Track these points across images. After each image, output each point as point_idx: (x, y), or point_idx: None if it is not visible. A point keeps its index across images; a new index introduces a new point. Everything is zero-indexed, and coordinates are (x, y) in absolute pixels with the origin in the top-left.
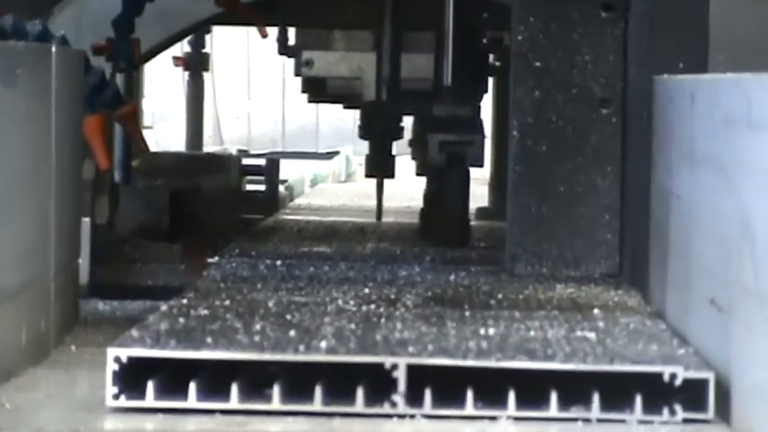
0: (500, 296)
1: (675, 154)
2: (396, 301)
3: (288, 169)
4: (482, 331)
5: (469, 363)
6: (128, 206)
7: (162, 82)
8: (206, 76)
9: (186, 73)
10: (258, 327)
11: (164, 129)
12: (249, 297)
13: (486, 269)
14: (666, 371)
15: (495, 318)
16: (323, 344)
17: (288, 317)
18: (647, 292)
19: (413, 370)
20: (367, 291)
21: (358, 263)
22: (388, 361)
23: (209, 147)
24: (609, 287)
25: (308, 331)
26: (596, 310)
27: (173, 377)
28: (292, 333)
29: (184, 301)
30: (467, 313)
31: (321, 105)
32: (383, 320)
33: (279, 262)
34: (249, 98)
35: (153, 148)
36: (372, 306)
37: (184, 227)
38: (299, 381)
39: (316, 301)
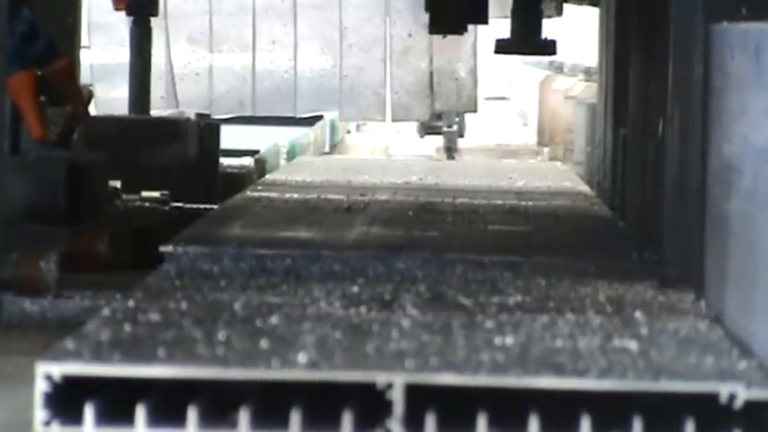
0: (519, 296)
1: (737, 120)
2: (391, 303)
3: (259, 138)
4: (497, 340)
5: (481, 380)
6: (18, 182)
7: (104, 30)
8: (156, 22)
9: (130, 18)
10: (222, 336)
11: (106, 88)
12: (211, 297)
13: (503, 260)
14: (724, 390)
15: (514, 323)
16: (301, 357)
17: (258, 323)
18: (702, 289)
19: (412, 390)
20: (356, 289)
21: (345, 253)
22: (380, 379)
23: (161, 110)
24: (653, 282)
25: (283, 341)
26: (638, 313)
27: (117, 398)
28: (264, 343)
29: (131, 303)
30: (478, 317)
31: (299, 58)
32: (376, 327)
33: (247, 252)
34: (211, 50)
35: (92, 111)
36: (362, 309)
37: (94, 207)
38: (271, 403)
39: (293, 302)
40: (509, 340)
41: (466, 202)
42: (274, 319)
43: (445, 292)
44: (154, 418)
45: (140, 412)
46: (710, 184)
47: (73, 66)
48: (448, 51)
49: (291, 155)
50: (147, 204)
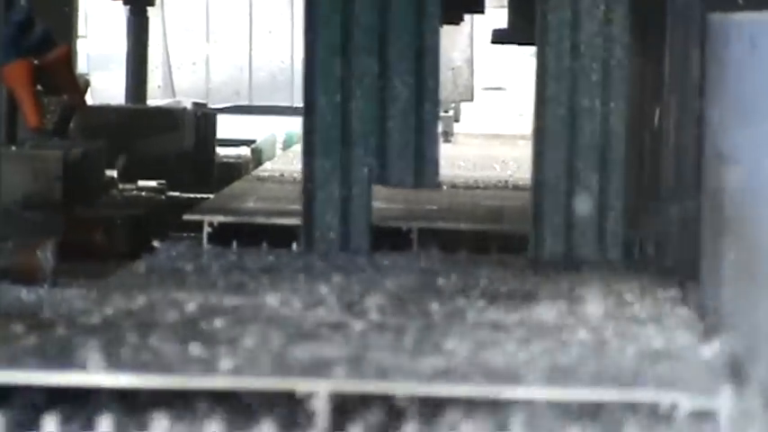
0: (497, 296)
1: (733, 109)
2: (354, 303)
3: (255, 127)
4: (449, 345)
5: (411, 388)
6: (13, 172)
7: (101, 19)
8: (153, 11)
9: (127, 8)
10: (156, 340)
11: (103, 77)
12: (169, 297)
13: (501, 258)
14: (665, 397)
15: (472, 326)
16: (226, 363)
17: (203, 325)
18: (697, 285)
19: (340, 399)
20: (326, 288)
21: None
22: (302, 387)
23: (157, 99)
24: (636, 273)
25: (217, 345)
26: (595, 305)
27: (29, 407)
28: (195, 349)
29: (81, 302)
30: (437, 319)
31: (296, 48)
32: (325, 330)
33: (231, 246)
34: (208, 40)
35: (89, 100)
36: (321, 310)
37: (89, 196)
38: (191, 412)
39: (252, 302)
40: (461, 345)
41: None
42: (221, 322)
43: (417, 290)
44: (66, 427)
45: (48, 421)
46: (707, 173)
47: (70, 55)
48: (444, 41)
49: (288, 144)
50: (143, 193)
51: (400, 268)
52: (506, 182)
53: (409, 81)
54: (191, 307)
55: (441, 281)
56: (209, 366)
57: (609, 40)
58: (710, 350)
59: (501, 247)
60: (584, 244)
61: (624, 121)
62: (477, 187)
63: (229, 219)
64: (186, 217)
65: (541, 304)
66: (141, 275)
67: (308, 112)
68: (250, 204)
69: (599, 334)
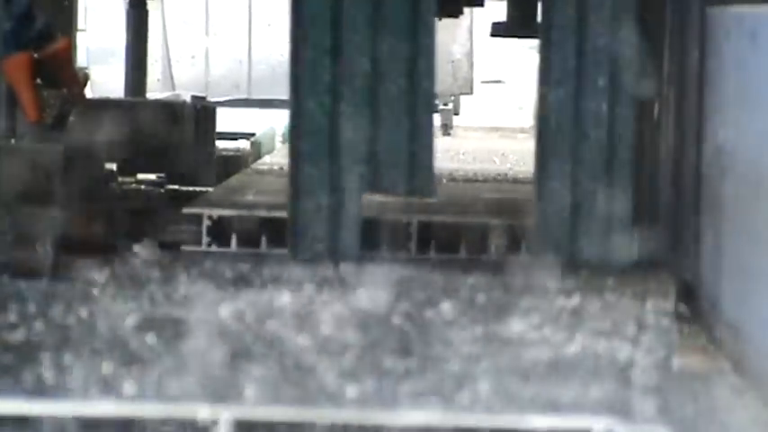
0: (476, 311)
1: (733, 103)
2: (310, 315)
3: (255, 121)
4: (387, 364)
5: (313, 414)
6: (12, 166)
7: (100, 13)
8: (153, 5)
9: (126, 1)
10: (70, 358)
11: (102, 70)
12: (113, 308)
13: (498, 263)
14: (597, 426)
15: (424, 344)
16: (127, 388)
17: (132, 344)
18: (697, 278)
19: (245, 426)
20: (288, 300)
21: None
22: (203, 413)
23: (157, 92)
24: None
25: (131, 368)
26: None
27: None
28: (104, 370)
29: (11, 315)
30: (384, 338)
31: None
32: (259, 349)
33: (210, 250)
34: (207, 33)
35: (89, 93)
36: (269, 325)
37: (86, 189)
38: None
39: (200, 316)
40: (399, 366)
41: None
42: (153, 341)
43: (391, 305)
44: None
45: None
46: (706, 167)
47: (69, 48)
48: (444, 34)
49: (288, 138)
50: (142, 187)
51: (381, 281)
52: (506, 174)
53: (403, 83)
54: (130, 320)
55: (417, 297)
56: (111, 389)
57: (616, 39)
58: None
59: (501, 242)
60: (590, 255)
61: (633, 127)
62: (477, 180)
63: (229, 212)
64: (185, 210)
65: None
66: (99, 284)
67: (295, 115)
68: (250, 197)
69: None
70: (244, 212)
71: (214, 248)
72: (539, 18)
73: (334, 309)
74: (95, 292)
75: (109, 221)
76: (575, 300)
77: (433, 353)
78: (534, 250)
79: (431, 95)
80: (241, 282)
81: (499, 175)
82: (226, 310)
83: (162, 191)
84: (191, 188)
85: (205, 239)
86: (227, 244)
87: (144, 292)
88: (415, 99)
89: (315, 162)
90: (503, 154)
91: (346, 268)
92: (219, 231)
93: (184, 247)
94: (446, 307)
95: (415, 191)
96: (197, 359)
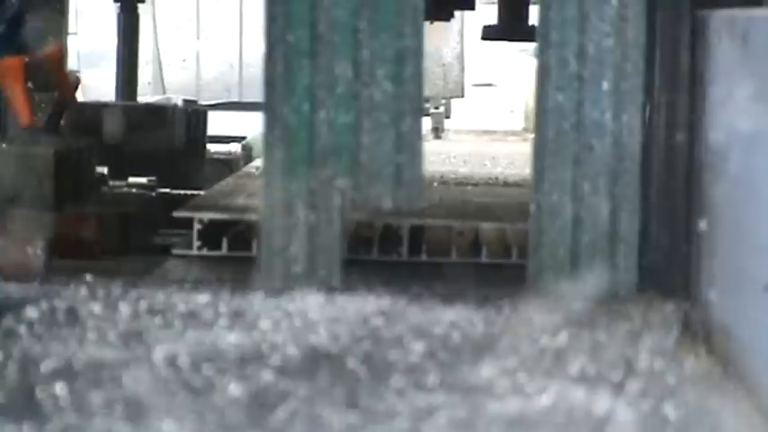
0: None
1: (724, 106)
2: (255, 358)
3: (246, 124)
4: (325, 419)
5: None
6: (3, 170)
7: (92, 17)
8: (144, 8)
9: (117, 5)
10: None
11: (93, 74)
12: (34, 349)
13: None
14: None
15: (375, 394)
16: None
17: (38, 390)
18: (689, 283)
19: None
20: (232, 338)
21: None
22: None
23: (148, 96)
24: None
25: (25, 419)
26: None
27: None
28: None
29: None
30: (340, 387)
31: None
32: (181, 400)
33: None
34: (198, 36)
35: (80, 97)
36: (204, 369)
37: (77, 193)
38: None
39: (127, 358)
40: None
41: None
42: (59, 388)
43: (352, 343)
44: None
45: None
46: (697, 170)
47: (61, 52)
48: (434, 37)
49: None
50: (133, 190)
51: (351, 312)
52: (497, 178)
53: (389, 88)
54: (48, 364)
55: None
56: None
57: (622, 41)
58: None
59: (494, 248)
60: (591, 280)
61: (640, 137)
62: (469, 183)
63: (219, 215)
64: (176, 214)
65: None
66: (31, 319)
67: (270, 123)
68: (240, 201)
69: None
70: (235, 216)
71: (205, 252)
72: (531, 20)
73: (285, 349)
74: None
75: (100, 225)
76: (562, 336)
77: (381, 406)
78: (531, 271)
79: (419, 101)
80: (190, 320)
81: (490, 178)
82: (160, 353)
83: (153, 194)
84: (182, 192)
85: (196, 243)
86: (219, 247)
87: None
88: (401, 105)
89: (292, 175)
90: (493, 157)
91: (318, 298)
92: (210, 235)
93: (176, 251)
94: (414, 348)
95: (402, 204)
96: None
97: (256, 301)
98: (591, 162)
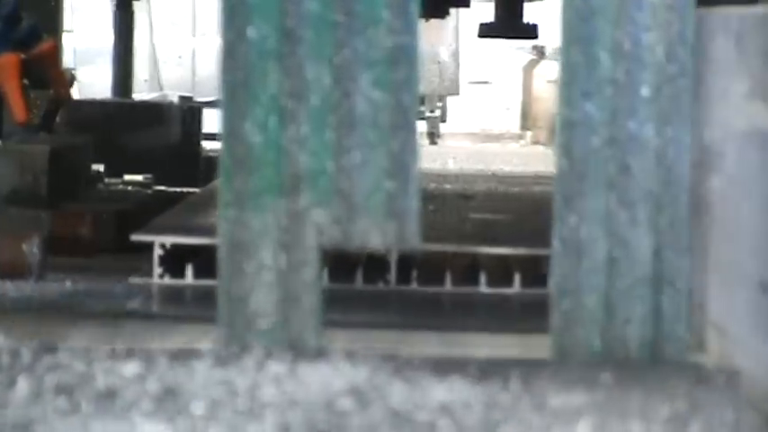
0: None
1: (718, 104)
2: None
3: None
4: None
5: None
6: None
7: (87, 13)
8: (139, 6)
9: (112, 2)
10: None
11: (89, 71)
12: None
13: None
14: None
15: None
16: None
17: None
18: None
19: None
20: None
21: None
22: None
23: (144, 93)
24: None
25: None
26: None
27: None
28: None
29: None
30: None
31: None
32: None
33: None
34: (194, 33)
35: (75, 94)
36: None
37: (72, 190)
38: None
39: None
40: None
41: (450, 187)
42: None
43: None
44: None
45: None
46: (692, 168)
47: (56, 49)
48: (430, 35)
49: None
50: (129, 188)
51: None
52: (498, 191)
53: (377, 98)
54: None
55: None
56: None
57: (666, 36)
58: None
59: (493, 274)
60: (631, 337)
61: (688, 155)
62: (466, 197)
63: (183, 239)
64: (134, 237)
65: None
66: None
67: (228, 143)
68: (213, 218)
69: None
70: (203, 240)
71: (167, 280)
72: (527, 17)
73: None
74: None
75: (95, 222)
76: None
77: None
78: (553, 325)
79: (412, 112)
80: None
81: (489, 192)
82: None
83: (149, 192)
84: (177, 189)
85: (156, 270)
86: (182, 274)
87: None
88: (392, 118)
89: (256, 207)
90: (493, 173)
91: (278, 367)
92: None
93: (133, 279)
94: None
95: (393, 242)
96: None
97: (199, 372)
98: (628, 187)
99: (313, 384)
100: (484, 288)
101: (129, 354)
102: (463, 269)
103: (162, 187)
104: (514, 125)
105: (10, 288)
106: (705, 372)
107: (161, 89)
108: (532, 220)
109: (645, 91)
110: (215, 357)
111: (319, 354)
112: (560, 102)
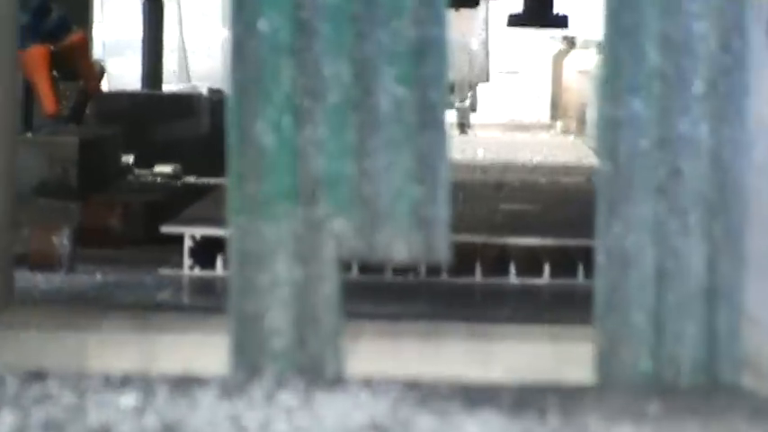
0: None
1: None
2: None
3: None
4: None
5: None
6: (29, 159)
7: (116, 5)
8: None
9: None
10: None
11: (118, 63)
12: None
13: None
14: None
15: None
16: None
17: None
18: None
19: None
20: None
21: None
22: None
23: (173, 84)
24: None
25: None
26: None
27: None
28: None
29: None
30: None
31: None
32: None
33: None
34: (224, 24)
35: (105, 86)
36: None
37: (102, 182)
38: None
39: None
40: None
41: (480, 178)
42: None
43: None
44: None
45: None
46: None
47: (85, 41)
48: (461, 24)
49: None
50: (159, 179)
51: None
52: (528, 181)
53: (402, 95)
54: None
55: None
56: None
57: (720, 25)
58: None
59: (523, 265)
60: (683, 358)
61: (746, 157)
62: (496, 187)
63: (214, 231)
64: (164, 229)
65: None
66: None
67: (238, 145)
68: None
69: None
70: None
71: (197, 272)
72: (556, 8)
73: None
74: None
75: (125, 213)
76: None
77: None
78: (597, 344)
79: (440, 110)
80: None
81: (522, 184)
82: None
83: (178, 183)
84: (207, 180)
85: (187, 262)
86: (212, 266)
87: None
88: (419, 116)
89: (270, 215)
90: (523, 164)
91: (290, 398)
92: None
93: (163, 271)
94: None
95: (420, 254)
96: None
97: (202, 405)
98: (679, 192)
99: (329, 418)
100: (514, 279)
101: (125, 382)
102: (493, 260)
103: (191, 178)
104: (544, 115)
105: (40, 280)
106: (763, 401)
107: (190, 81)
108: (562, 211)
109: (697, 86)
110: (221, 387)
111: (337, 380)
112: (603, 99)
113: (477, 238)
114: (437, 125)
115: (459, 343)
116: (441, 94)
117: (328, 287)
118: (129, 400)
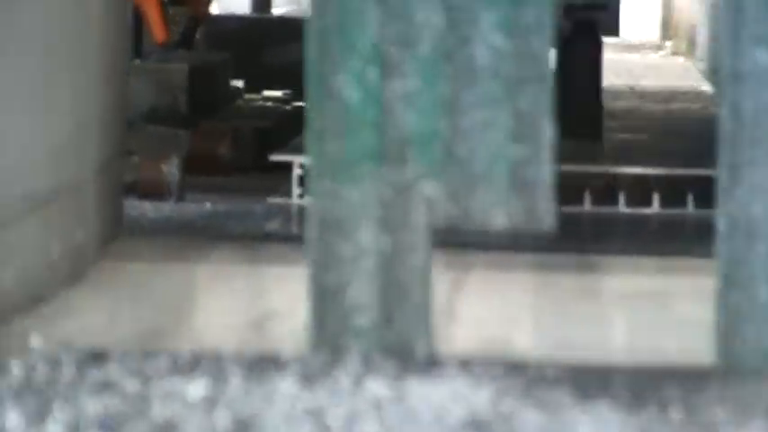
0: None
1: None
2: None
3: None
4: None
5: None
6: (139, 86)
7: None
8: None
9: None
10: None
11: None
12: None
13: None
14: None
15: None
16: None
17: None
18: None
19: None
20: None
21: None
22: None
23: (283, 8)
24: None
25: None
26: None
27: None
28: None
29: None
30: None
31: None
32: None
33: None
34: None
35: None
36: None
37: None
38: None
39: None
40: None
41: None
42: None
43: None
44: None
45: None
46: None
47: None
48: None
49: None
50: (269, 104)
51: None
52: (637, 108)
53: (501, 44)
54: None
55: None
56: None
57: None
58: None
59: (632, 194)
60: None
61: None
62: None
63: None
64: (273, 157)
65: None
66: None
67: (317, 100)
68: None
69: None
70: None
71: (306, 201)
72: None
73: None
74: None
75: (234, 140)
76: None
77: None
78: (719, 328)
79: (544, 60)
80: None
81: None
82: None
83: (288, 108)
84: None
85: (296, 191)
86: None
87: None
88: (520, 69)
89: (353, 178)
90: (632, 88)
91: (378, 386)
92: None
93: (272, 199)
94: None
95: (521, 222)
96: None
97: (280, 393)
98: None
99: (424, 413)
100: (623, 208)
101: (194, 365)
102: (602, 189)
103: (301, 103)
104: (654, 35)
105: (149, 209)
106: None
107: (299, 4)
108: (672, 139)
109: None
110: (300, 372)
111: (429, 362)
112: (725, 49)
113: (587, 168)
114: (540, 78)
115: (568, 280)
116: (544, 43)
117: (418, 257)
118: (197, 389)
